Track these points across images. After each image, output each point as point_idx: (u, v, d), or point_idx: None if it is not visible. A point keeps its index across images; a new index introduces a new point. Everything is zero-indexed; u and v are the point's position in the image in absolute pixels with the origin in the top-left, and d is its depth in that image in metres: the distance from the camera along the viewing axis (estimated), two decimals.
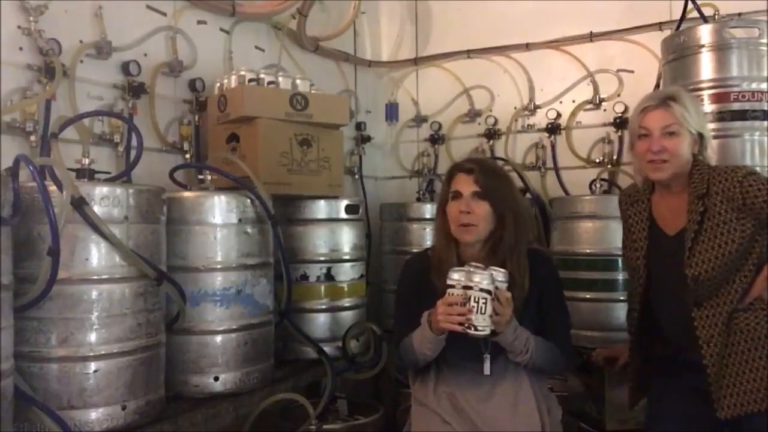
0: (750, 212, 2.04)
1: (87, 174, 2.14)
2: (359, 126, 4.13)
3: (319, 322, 3.07)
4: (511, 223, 2.21)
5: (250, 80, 2.87)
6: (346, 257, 3.16)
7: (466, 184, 2.21)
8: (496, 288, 2.02)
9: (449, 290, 2.04)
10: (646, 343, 2.30)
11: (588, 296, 3.16)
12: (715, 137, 2.80)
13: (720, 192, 2.08)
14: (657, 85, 3.29)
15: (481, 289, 2.00)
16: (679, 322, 2.15)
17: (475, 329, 2.00)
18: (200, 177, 2.68)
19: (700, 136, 2.16)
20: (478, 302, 1.99)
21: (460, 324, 2.01)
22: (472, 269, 2.04)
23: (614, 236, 2.95)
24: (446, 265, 2.14)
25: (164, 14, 2.96)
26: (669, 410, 2.23)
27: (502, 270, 2.07)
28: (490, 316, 2.01)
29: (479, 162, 2.35)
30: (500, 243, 2.21)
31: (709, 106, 2.81)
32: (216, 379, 2.43)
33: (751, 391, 2.04)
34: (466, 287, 2.01)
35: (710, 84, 2.82)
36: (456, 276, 2.04)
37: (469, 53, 4.07)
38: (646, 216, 2.25)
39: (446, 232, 2.25)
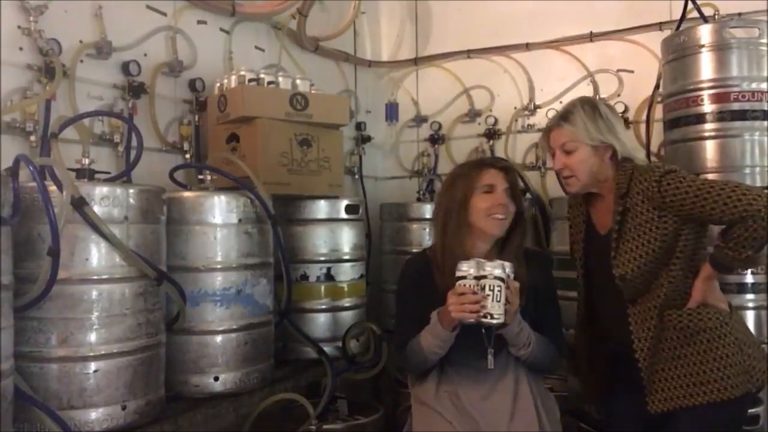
0: (670, 210, 2.06)
1: (87, 174, 2.14)
2: (359, 126, 4.13)
3: (319, 322, 3.07)
4: (522, 225, 2.31)
5: (250, 80, 2.87)
6: (346, 257, 3.16)
7: (499, 180, 2.27)
8: (508, 276, 2.04)
9: (460, 281, 2.05)
10: (593, 340, 2.35)
11: None
12: (715, 137, 2.82)
13: (640, 192, 2.10)
14: (657, 86, 3.29)
15: (496, 277, 2.02)
16: (616, 319, 2.20)
17: (491, 317, 2.02)
18: (200, 177, 2.68)
19: (607, 146, 2.18)
20: (493, 290, 2.02)
21: (474, 312, 2.02)
22: (479, 261, 2.07)
23: None
24: (456, 259, 2.13)
25: (164, 14, 2.96)
26: (621, 408, 2.29)
27: (508, 262, 2.09)
28: (506, 305, 2.03)
29: (510, 165, 2.43)
30: (510, 241, 2.28)
31: (709, 106, 2.81)
32: (216, 379, 2.43)
33: (680, 386, 2.09)
34: (479, 277, 2.03)
35: (710, 84, 2.82)
36: (465, 267, 2.06)
37: (469, 53, 4.07)
38: (583, 218, 2.33)
39: (464, 224, 2.24)
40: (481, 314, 2.02)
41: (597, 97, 3.69)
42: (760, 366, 2.12)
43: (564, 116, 2.23)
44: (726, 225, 2.02)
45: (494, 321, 2.03)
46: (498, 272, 2.02)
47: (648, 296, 2.12)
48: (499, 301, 2.02)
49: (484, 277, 2.02)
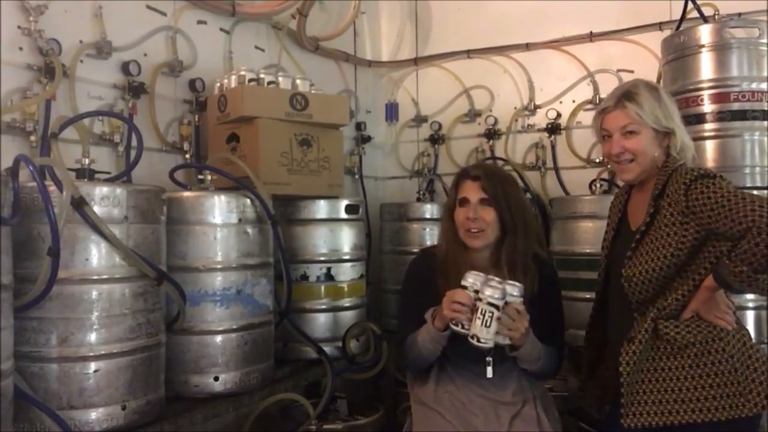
0: (693, 218, 1.91)
1: (87, 174, 2.14)
2: (359, 126, 4.13)
3: (319, 322, 3.07)
4: (520, 230, 2.25)
5: (250, 80, 2.87)
6: (346, 257, 3.15)
7: (473, 191, 2.25)
8: (506, 303, 2.02)
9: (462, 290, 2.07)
10: (598, 344, 2.25)
11: (588, 296, 3.12)
12: (715, 137, 2.82)
13: (670, 194, 1.97)
14: None
15: (489, 303, 2.00)
16: (620, 325, 2.07)
17: (478, 341, 2.02)
18: (200, 177, 2.68)
19: (669, 132, 2.07)
20: (483, 315, 2.00)
21: (462, 320, 2.02)
22: (488, 279, 2.05)
23: None
24: (455, 268, 2.17)
25: (164, 14, 2.96)
26: (615, 423, 2.03)
27: (518, 284, 2.07)
28: (496, 333, 2.02)
29: (485, 169, 2.39)
30: (509, 249, 2.24)
31: (709, 106, 2.81)
32: (216, 379, 2.43)
33: (659, 402, 1.93)
34: (477, 296, 2.02)
35: (710, 84, 2.82)
36: (471, 280, 2.06)
37: (469, 53, 4.07)
38: (619, 209, 2.22)
39: (455, 236, 2.27)
40: (470, 334, 2.02)
41: (597, 97, 3.71)
42: (760, 390, 1.91)
43: (628, 96, 2.06)
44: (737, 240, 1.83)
45: (482, 345, 2.02)
46: (494, 299, 2.00)
47: (652, 307, 1.99)
48: (488, 327, 2.00)
49: (480, 300, 2.01)
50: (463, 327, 2.04)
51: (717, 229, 1.87)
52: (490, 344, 2.02)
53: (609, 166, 3.56)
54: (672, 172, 2.02)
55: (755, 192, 2.49)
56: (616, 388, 2.04)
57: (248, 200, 2.54)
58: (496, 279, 2.05)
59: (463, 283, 2.06)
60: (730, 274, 1.82)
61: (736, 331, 2.00)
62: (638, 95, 2.07)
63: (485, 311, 2.00)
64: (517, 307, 2.04)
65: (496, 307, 2.00)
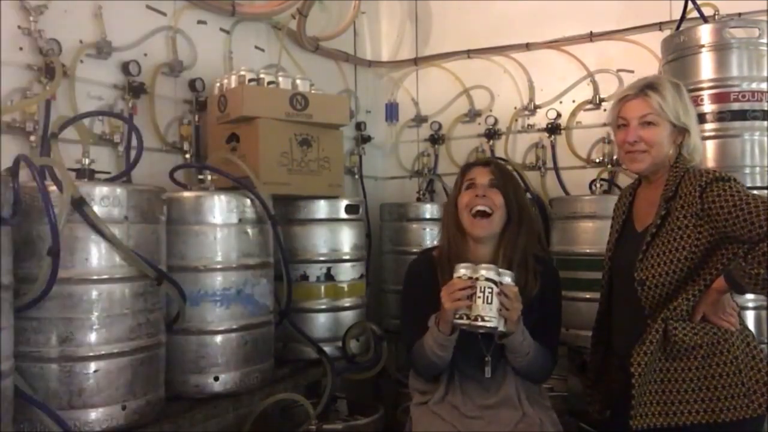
0: (708, 220, 1.91)
1: (87, 174, 2.14)
2: (359, 126, 4.13)
3: (319, 322, 3.07)
4: (524, 226, 2.24)
5: (250, 80, 2.87)
6: (346, 257, 3.15)
7: (482, 175, 2.26)
8: (501, 283, 2.02)
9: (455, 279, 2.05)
10: (605, 348, 2.24)
11: (588, 296, 3.15)
12: (715, 137, 2.81)
13: (683, 196, 1.97)
14: None
15: (487, 279, 1.99)
16: (628, 328, 2.07)
17: (482, 320, 1.98)
18: (200, 177, 2.68)
19: (684, 130, 2.07)
20: (484, 292, 1.98)
21: (464, 301, 1.99)
22: (478, 265, 2.05)
23: None
24: (457, 260, 2.13)
25: (164, 14, 2.96)
26: (623, 417, 2.02)
27: (509, 271, 2.07)
28: (499, 310, 2.00)
29: (495, 160, 2.39)
30: (510, 245, 2.22)
31: (709, 106, 2.81)
32: (216, 379, 2.43)
33: (665, 403, 1.93)
34: (472, 278, 2.01)
35: (710, 84, 2.82)
36: (462, 270, 2.05)
37: (469, 53, 4.07)
38: (624, 209, 2.21)
39: (458, 226, 2.25)
40: (472, 316, 2.00)
41: (597, 97, 3.71)
42: (763, 391, 1.93)
43: (652, 86, 2.06)
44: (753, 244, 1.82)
45: (487, 324, 1.99)
46: (490, 275, 2.00)
47: (665, 310, 1.96)
48: (489, 304, 1.98)
49: (477, 279, 2.00)
50: (467, 318, 2.02)
51: (733, 232, 1.87)
52: (495, 323, 1.99)
53: (609, 166, 3.57)
54: (684, 173, 2.01)
55: (755, 192, 2.50)
56: (621, 391, 2.04)
57: (248, 200, 2.54)
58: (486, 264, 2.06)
59: (456, 275, 2.05)
60: (744, 276, 1.82)
61: (740, 332, 2.00)
62: (662, 87, 2.07)
63: (484, 288, 1.98)
64: (512, 288, 2.03)
65: (495, 282, 1.99)
